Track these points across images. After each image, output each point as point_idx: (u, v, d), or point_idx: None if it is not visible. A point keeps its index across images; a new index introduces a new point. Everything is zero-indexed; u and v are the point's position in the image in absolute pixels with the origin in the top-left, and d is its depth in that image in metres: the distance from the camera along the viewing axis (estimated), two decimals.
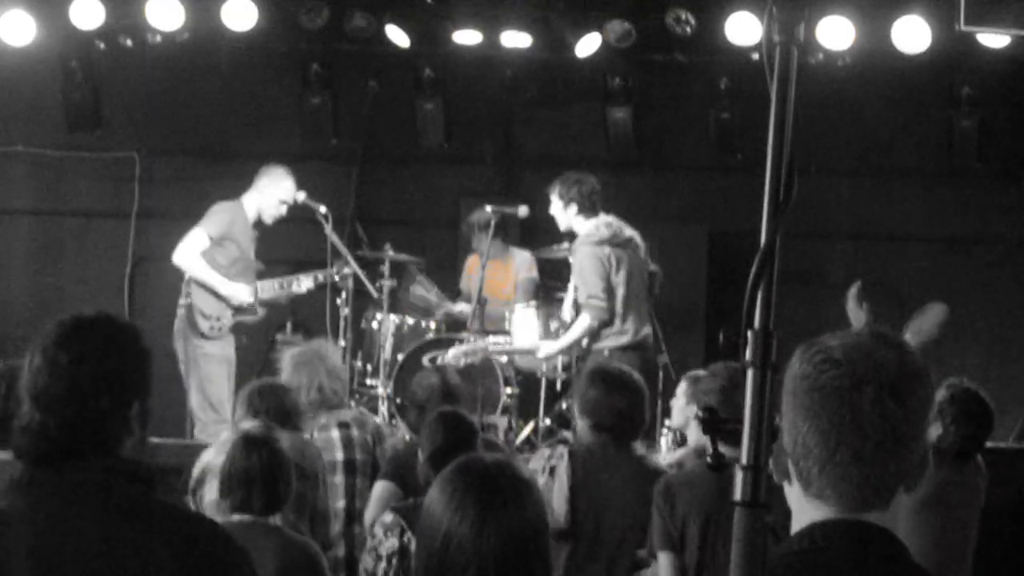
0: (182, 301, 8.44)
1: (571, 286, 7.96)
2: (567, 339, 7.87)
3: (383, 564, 4.53)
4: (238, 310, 8.48)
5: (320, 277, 8.69)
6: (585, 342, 7.79)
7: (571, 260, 7.96)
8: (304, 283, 8.68)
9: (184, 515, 2.57)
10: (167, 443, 8.03)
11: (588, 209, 7.83)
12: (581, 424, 5.36)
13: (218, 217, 8.42)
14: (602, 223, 7.80)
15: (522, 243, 9.65)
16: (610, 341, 7.71)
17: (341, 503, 6.13)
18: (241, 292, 8.45)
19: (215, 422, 8.20)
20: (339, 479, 6.15)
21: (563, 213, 7.91)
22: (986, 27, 7.34)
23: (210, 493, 5.08)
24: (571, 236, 8.12)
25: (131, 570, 2.38)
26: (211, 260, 8.39)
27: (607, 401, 5.20)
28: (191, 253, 8.36)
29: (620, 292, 7.70)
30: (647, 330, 7.86)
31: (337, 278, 8.71)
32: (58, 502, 2.45)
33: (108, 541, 2.40)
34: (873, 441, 1.98)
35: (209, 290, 8.37)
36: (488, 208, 8.85)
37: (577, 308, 7.83)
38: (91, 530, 2.41)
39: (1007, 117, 10.04)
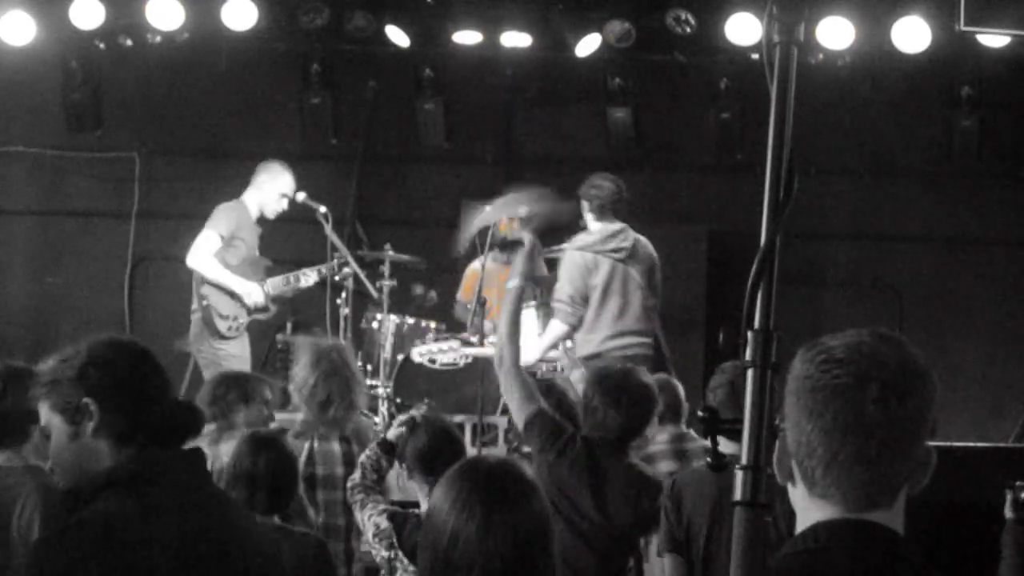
0: (196, 304, 8.42)
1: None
2: (544, 343, 7.75)
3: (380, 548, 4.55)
4: (253, 309, 8.51)
5: (323, 270, 8.69)
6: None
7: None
8: (310, 277, 8.67)
9: None
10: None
11: (596, 211, 7.73)
12: None
13: (226, 216, 8.43)
14: (606, 231, 7.66)
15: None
16: (579, 349, 7.58)
17: (342, 520, 5.83)
18: (254, 291, 8.48)
19: None
20: (340, 495, 5.74)
21: (585, 212, 7.77)
22: (986, 27, 7.31)
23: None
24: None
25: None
26: (222, 260, 8.40)
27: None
28: (205, 255, 8.36)
29: (593, 299, 7.55)
30: (620, 341, 7.53)
31: (337, 277, 8.69)
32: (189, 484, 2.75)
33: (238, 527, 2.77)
34: (877, 440, 1.97)
35: (225, 291, 8.39)
36: (488, 209, 8.84)
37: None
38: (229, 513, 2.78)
39: (1007, 117, 10.03)
